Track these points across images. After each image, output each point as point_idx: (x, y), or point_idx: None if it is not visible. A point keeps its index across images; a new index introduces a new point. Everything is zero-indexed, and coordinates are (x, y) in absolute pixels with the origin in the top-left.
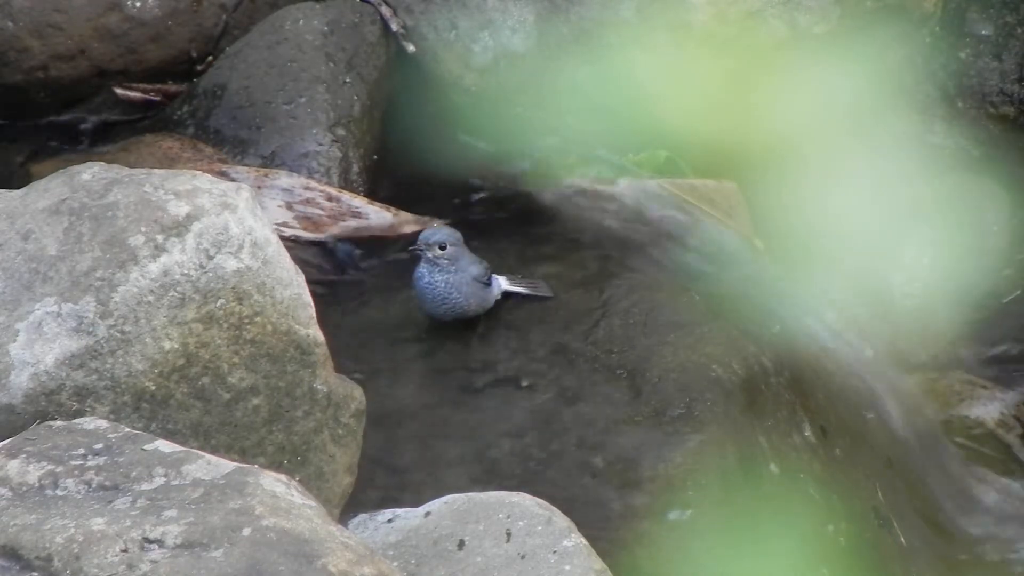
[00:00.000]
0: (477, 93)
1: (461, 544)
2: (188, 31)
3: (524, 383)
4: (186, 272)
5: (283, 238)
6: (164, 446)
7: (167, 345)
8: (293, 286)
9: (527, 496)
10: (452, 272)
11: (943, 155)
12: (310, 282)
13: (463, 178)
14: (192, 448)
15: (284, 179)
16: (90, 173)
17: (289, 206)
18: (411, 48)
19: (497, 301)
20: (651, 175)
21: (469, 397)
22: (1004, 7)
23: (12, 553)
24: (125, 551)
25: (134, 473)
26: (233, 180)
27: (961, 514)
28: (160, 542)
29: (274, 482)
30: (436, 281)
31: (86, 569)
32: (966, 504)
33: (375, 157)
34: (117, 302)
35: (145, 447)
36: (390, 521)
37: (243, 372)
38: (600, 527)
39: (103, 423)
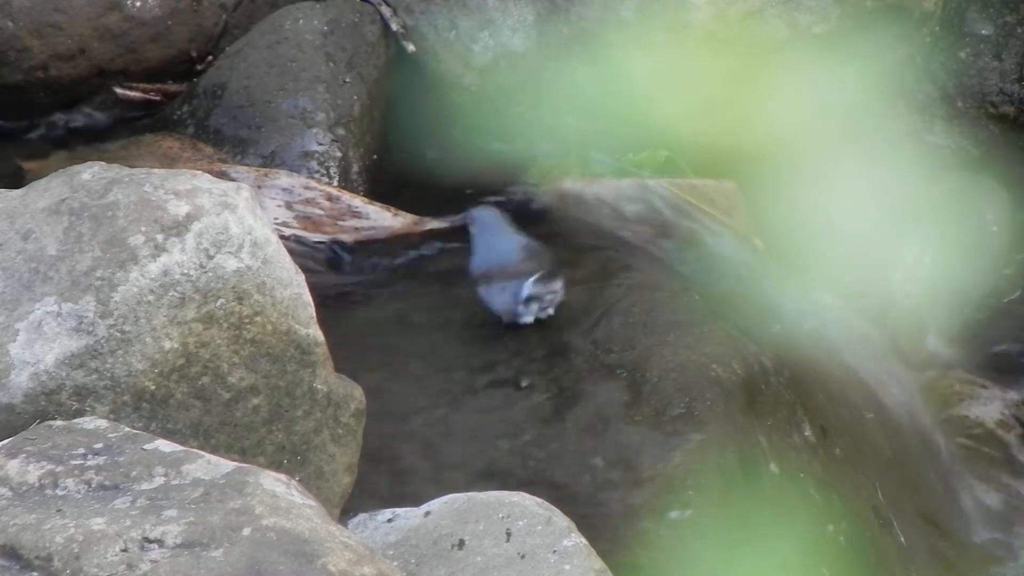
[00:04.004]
0: (477, 93)
1: (461, 544)
2: (188, 31)
3: (524, 383)
4: (186, 272)
5: (283, 238)
6: (164, 446)
7: (167, 345)
8: (293, 286)
9: (527, 496)
10: None
11: (943, 155)
12: (310, 282)
13: (463, 178)
14: (192, 448)
15: (284, 179)
16: (90, 173)
17: (289, 206)
18: (411, 48)
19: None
20: (651, 175)
21: (469, 397)
22: (1004, 7)
23: (12, 553)
24: (125, 551)
25: (134, 473)
26: (233, 180)
27: (961, 514)
28: (160, 542)
29: (274, 482)
30: None
31: (86, 569)
32: (966, 504)
33: (375, 157)
34: (117, 302)
35: (145, 447)
36: (390, 521)
37: (243, 372)
38: (600, 527)
39: (103, 423)
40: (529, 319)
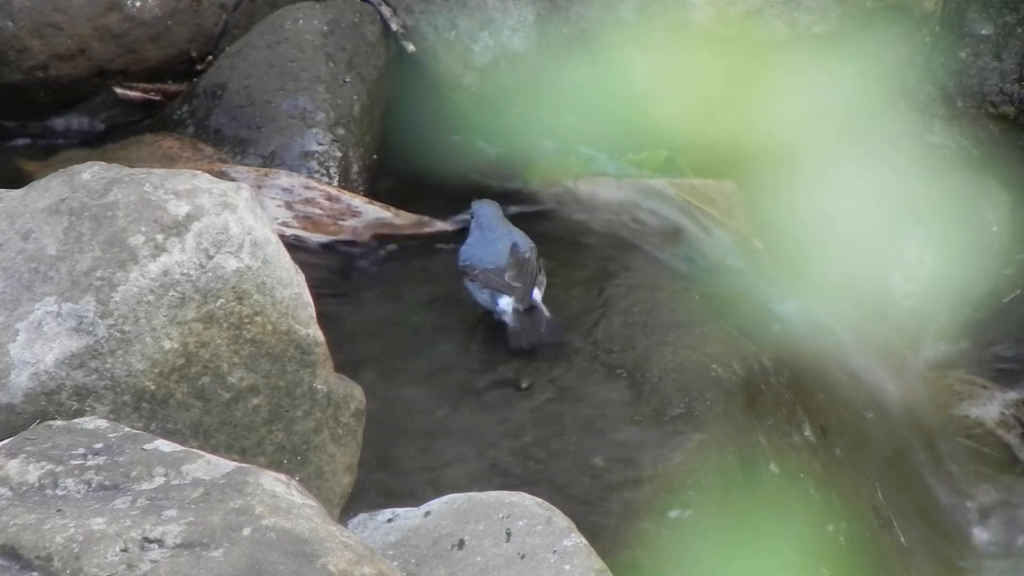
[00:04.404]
0: (477, 93)
1: (461, 544)
2: (188, 31)
3: (524, 383)
4: (186, 272)
5: (283, 238)
6: (164, 446)
7: (167, 345)
8: (293, 286)
9: (527, 496)
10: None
11: (943, 155)
12: (310, 282)
13: (463, 178)
14: (192, 448)
15: (284, 179)
16: (90, 173)
17: (289, 206)
18: (411, 48)
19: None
20: (651, 175)
21: (469, 397)
22: (1004, 7)
23: (12, 553)
24: (125, 551)
25: (134, 473)
26: (233, 180)
27: (961, 514)
28: (160, 542)
29: (274, 482)
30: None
31: (86, 569)
32: (966, 504)
33: (375, 157)
34: (117, 302)
35: (145, 447)
36: (390, 521)
37: (243, 372)
38: (600, 527)
39: (103, 423)
40: (507, 319)
